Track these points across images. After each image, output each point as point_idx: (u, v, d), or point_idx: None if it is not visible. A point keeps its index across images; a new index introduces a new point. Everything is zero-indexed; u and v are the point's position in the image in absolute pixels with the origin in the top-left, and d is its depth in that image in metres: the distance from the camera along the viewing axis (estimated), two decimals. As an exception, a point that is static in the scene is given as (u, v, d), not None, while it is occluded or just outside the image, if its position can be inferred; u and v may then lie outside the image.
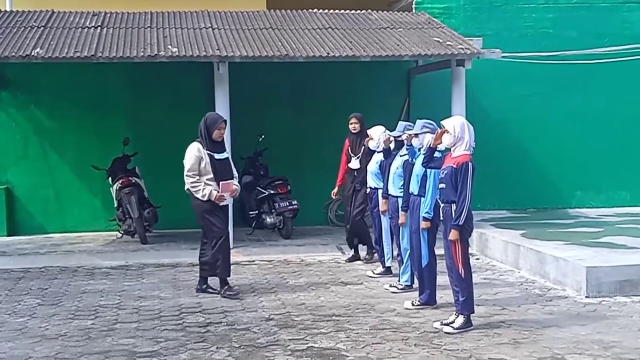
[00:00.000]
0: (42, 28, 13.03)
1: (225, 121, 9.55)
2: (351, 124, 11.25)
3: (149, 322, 8.26)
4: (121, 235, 13.49)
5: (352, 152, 11.21)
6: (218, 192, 9.22)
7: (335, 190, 11.66)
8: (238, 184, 9.58)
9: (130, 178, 13.25)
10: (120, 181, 13.23)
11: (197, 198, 9.26)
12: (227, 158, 9.55)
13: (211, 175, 9.24)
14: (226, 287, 9.41)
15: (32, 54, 11.76)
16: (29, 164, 14.39)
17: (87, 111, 14.41)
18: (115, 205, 13.43)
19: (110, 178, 13.55)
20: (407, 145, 8.97)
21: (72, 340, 7.64)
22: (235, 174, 9.69)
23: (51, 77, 14.12)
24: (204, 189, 9.21)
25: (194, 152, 9.31)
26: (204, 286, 9.63)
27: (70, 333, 7.88)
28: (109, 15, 13.96)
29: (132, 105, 14.49)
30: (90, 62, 12.10)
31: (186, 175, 9.29)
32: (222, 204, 9.37)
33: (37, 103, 14.38)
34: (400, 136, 9.18)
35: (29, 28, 12.99)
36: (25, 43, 12.21)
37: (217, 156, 9.33)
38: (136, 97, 14.47)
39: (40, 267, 11.28)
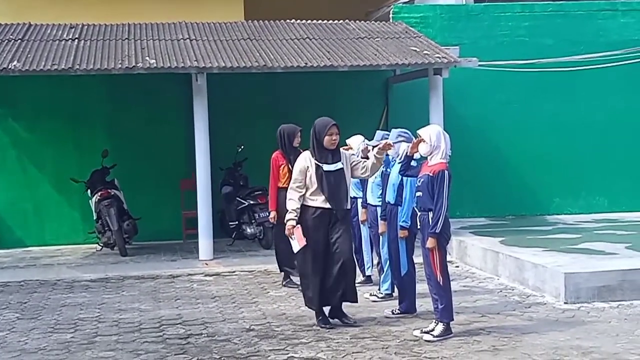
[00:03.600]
0: (19, 41, 13.01)
1: (336, 125, 8.39)
2: (298, 137, 10.31)
3: (129, 334, 8.23)
4: (101, 247, 13.44)
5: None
6: (294, 226, 8.23)
7: (274, 215, 10.24)
8: (306, 242, 8.24)
9: (109, 190, 13.21)
10: (99, 193, 13.18)
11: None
12: (341, 169, 8.33)
13: (315, 188, 8.24)
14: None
15: (9, 67, 11.72)
16: (7, 178, 14.32)
17: (65, 124, 14.38)
18: (95, 217, 13.38)
19: (89, 190, 13.50)
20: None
21: (51, 354, 7.60)
22: (351, 192, 8.73)
23: (29, 90, 14.07)
24: (288, 214, 8.31)
25: (301, 162, 8.41)
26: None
27: (50, 347, 7.84)
28: (86, 27, 13.95)
29: (111, 117, 14.47)
30: (68, 75, 12.11)
31: (289, 189, 8.45)
32: (293, 243, 8.34)
33: (15, 116, 14.34)
34: (377, 145, 9.20)
35: (6, 41, 12.97)
36: (2, 56, 12.17)
37: (326, 167, 8.26)
38: (114, 109, 14.45)
39: (19, 281, 11.21)
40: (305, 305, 8.56)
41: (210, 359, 7.26)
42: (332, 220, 8.28)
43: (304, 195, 8.31)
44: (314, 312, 8.46)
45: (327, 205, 8.23)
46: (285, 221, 8.36)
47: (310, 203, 8.29)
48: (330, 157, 8.30)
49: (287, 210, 8.35)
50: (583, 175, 15.30)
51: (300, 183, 8.30)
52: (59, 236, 14.33)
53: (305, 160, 8.34)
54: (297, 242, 8.27)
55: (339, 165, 8.32)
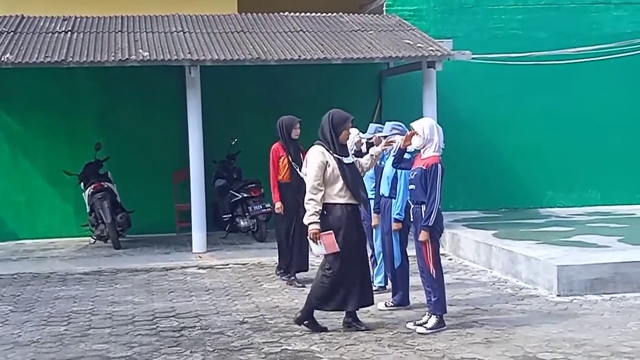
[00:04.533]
0: (11, 33, 12.97)
1: (353, 120, 7.84)
2: (297, 129, 10.17)
3: (123, 327, 8.23)
4: (94, 240, 13.43)
5: (294, 161, 9.93)
6: (319, 230, 7.56)
7: (280, 205, 10.06)
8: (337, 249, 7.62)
9: (103, 183, 13.19)
10: (92, 186, 13.16)
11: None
12: (354, 163, 7.88)
13: (341, 184, 7.61)
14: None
15: (2, 59, 11.69)
16: (-1, 170, 14.31)
17: (58, 116, 14.35)
18: (88, 210, 13.36)
19: (82, 183, 13.48)
20: (376, 148, 9.02)
21: (45, 346, 7.60)
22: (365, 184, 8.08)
23: (22, 83, 14.03)
24: (310, 217, 7.59)
25: (317, 157, 7.65)
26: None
27: (43, 339, 7.84)
28: (79, 19, 13.92)
29: (104, 110, 14.45)
30: (61, 67, 12.07)
31: (310, 187, 7.62)
32: (313, 249, 7.80)
33: (8, 109, 14.30)
34: (371, 138, 9.23)
35: (-2, 33, 12.94)
36: (-5, 48, 12.15)
37: (346, 160, 7.70)
38: (108, 101, 14.43)
39: (13, 274, 11.19)
40: (318, 307, 7.90)
41: (203, 352, 7.27)
42: (359, 215, 7.88)
43: (324, 193, 7.65)
44: (306, 315, 7.86)
45: (354, 201, 7.72)
46: (307, 224, 7.67)
47: (338, 200, 7.65)
48: (345, 150, 7.82)
49: (310, 212, 7.64)
50: (576, 169, 15.33)
51: (320, 180, 7.58)
52: (52, 229, 14.30)
53: (323, 155, 7.65)
54: (327, 249, 7.60)
55: (351, 159, 7.91)
